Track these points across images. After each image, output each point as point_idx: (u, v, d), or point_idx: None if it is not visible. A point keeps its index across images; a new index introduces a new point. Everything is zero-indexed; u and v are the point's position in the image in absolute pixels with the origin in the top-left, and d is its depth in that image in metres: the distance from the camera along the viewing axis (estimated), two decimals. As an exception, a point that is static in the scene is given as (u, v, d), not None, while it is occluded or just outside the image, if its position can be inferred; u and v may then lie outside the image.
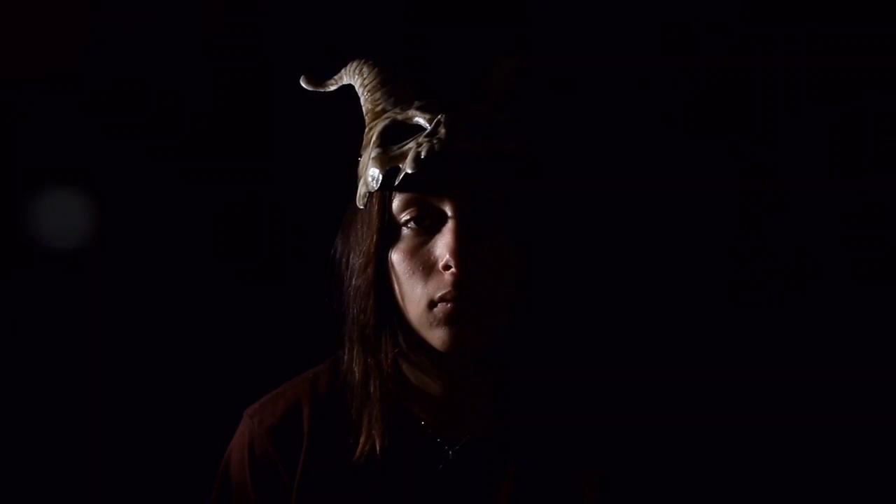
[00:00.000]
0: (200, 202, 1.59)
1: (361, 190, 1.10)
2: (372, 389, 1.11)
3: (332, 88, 1.17)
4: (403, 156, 1.04)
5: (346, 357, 1.15)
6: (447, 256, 1.04)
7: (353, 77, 1.13)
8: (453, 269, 1.04)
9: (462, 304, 1.04)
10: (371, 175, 1.07)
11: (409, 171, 1.04)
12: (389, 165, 1.06)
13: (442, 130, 1.04)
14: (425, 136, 1.04)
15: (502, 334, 1.09)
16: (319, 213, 1.26)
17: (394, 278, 1.09)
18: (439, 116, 1.05)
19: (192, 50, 1.59)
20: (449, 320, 1.05)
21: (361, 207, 1.10)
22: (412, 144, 1.04)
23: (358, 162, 1.13)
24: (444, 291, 1.04)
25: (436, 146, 1.03)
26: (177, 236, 1.59)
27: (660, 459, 1.16)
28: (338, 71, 1.17)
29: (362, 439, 1.11)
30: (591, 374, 1.17)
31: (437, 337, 1.06)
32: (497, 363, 1.12)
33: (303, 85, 1.17)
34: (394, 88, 1.11)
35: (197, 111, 1.59)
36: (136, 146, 1.58)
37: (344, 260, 1.14)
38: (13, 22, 1.56)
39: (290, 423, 1.15)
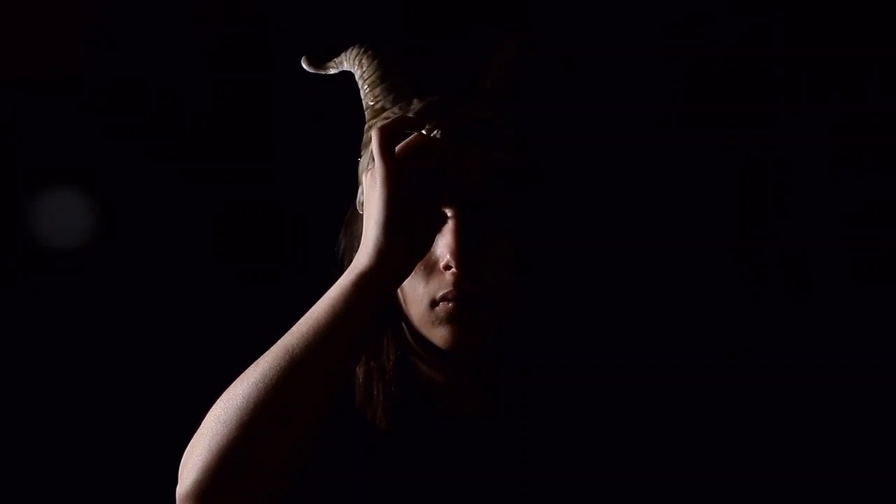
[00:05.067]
0: (200, 202, 1.59)
1: (361, 198, 1.10)
2: (375, 392, 1.12)
3: (333, 72, 1.15)
4: None
5: None
6: (447, 256, 1.04)
7: (352, 66, 1.12)
8: (454, 269, 1.04)
9: (463, 303, 1.05)
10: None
11: None
12: None
13: None
14: None
15: (504, 329, 1.10)
16: (320, 211, 1.26)
17: None
18: (436, 132, 1.04)
19: (192, 50, 1.59)
20: (450, 319, 1.05)
21: (362, 213, 1.10)
22: None
23: (358, 162, 1.13)
24: (445, 291, 1.05)
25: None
26: (176, 236, 1.59)
27: (658, 421, 1.17)
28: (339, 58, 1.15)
29: (365, 426, 1.11)
30: (589, 359, 1.18)
31: (439, 335, 1.06)
32: (500, 352, 1.12)
33: (303, 66, 1.15)
34: (393, 84, 1.10)
35: (197, 111, 1.59)
36: (136, 146, 1.58)
37: (347, 260, 1.14)
38: (13, 22, 1.56)
39: None
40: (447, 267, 1.05)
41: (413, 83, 1.10)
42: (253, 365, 0.97)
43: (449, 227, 1.05)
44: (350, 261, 1.13)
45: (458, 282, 1.04)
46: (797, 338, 1.51)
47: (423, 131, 1.04)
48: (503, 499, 1.11)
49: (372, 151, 1.05)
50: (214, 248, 1.60)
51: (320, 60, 1.15)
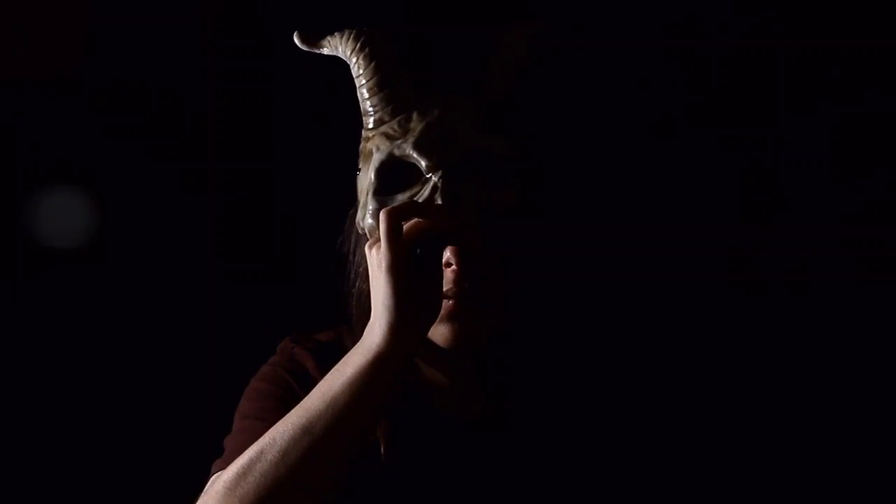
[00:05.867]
0: (200, 202, 1.59)
1: (361, 223, 1.09)
2: None
3: (326, 52, 1.13)
4: None
5: None
6: (448, 254, 1.04)
7: (348, 58, 1.10)
8: (454, 267, 1.04)
9: (464, 301, 1.05)
10: (369, 224, 1.07)
11: None
12: None
13: (438, 197, 1.03)
14: (422, 194, 1.04)
15: (505, 328, 1.10)
16: (320, 212, 1.26)
17: None
18: (436, 179, 1.04)
19: (192, 50, 1.59)
20: (451, 316, 1.05)
21: (362, 233, 1.10)
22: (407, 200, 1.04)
23: (357, 175, 1.12)
24: (446, 288, 1.05)
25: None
26: (176, 236, 1.59)
27: (659, 422, 1.17)
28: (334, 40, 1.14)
29: None
30: (591, 360, 1.18)
31: (440, 333, 1.06)
32: (501, 352, 1.12)
33: (296, 42, 1.14)
34: (392, 94, 1.08)
35: (197, 111, 1.59)
36: (136, 146, 1.58)
37: (352, 258, 1.15)
38: (13, 22, 1.56)
39: (329, 355, 1.12)
40: (448, 264, 1.05)
41: (413, 90, 1.09)
42: (267, 440, 0.99)
43: (451, 226, 1.05)
44: (354, 261, 1.14)
45: (459, 279, 1.04)
46: (797, 337, 1.51)
47: (423, 168, 1.04)
48: (504, 501, 1.11)
49: (368, 196, 1.06)
50: (214, 248, 1.60)
51: (313, 38, 1.14)
